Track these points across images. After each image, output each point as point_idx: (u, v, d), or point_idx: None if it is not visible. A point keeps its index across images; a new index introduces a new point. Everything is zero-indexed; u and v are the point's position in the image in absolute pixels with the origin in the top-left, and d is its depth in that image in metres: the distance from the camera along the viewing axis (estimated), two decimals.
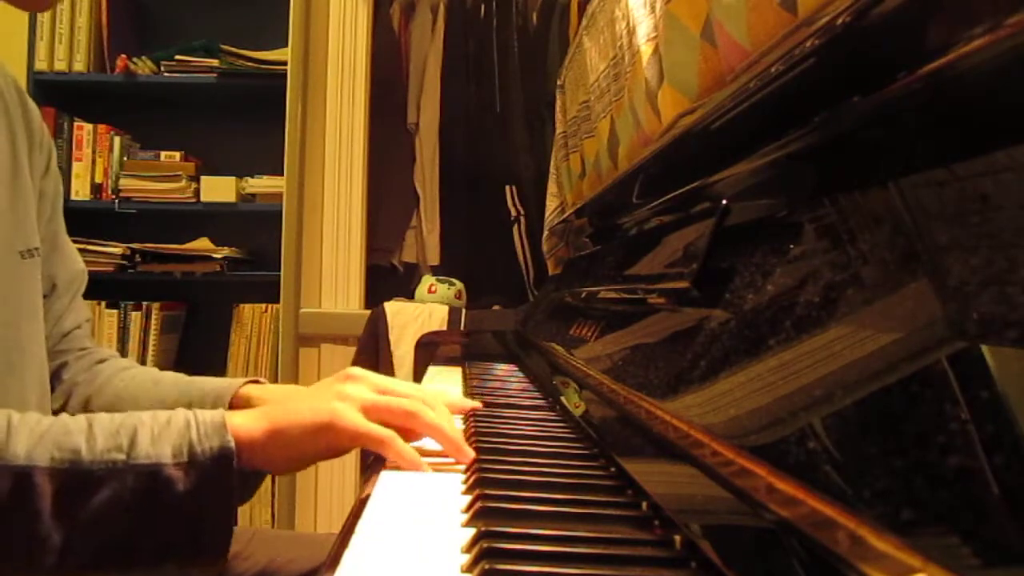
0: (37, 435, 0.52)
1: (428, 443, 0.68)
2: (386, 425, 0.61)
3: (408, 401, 0.64)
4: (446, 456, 0.64)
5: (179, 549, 0.53)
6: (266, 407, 0.62)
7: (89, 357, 0.86)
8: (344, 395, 0.62)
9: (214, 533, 0.54)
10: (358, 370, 0.67)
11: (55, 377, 0.81)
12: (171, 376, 0.84)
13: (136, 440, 0.53)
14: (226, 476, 0.54)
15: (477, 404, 0.79)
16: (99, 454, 0.52)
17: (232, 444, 0.54)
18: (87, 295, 0.89)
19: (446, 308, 2.07)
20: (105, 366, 0.85)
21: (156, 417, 0.56)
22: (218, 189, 2.30)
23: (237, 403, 0.77)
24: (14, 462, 0.51)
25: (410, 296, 2.19)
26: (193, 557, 0.54)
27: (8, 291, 0.70)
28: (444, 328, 2.03)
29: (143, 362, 2.25)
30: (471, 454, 0.62)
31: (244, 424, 0.57)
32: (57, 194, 0.84)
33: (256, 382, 0.80)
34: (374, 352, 2.04)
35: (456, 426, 0.67)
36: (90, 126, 2.33)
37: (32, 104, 0.81)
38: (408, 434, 0.63)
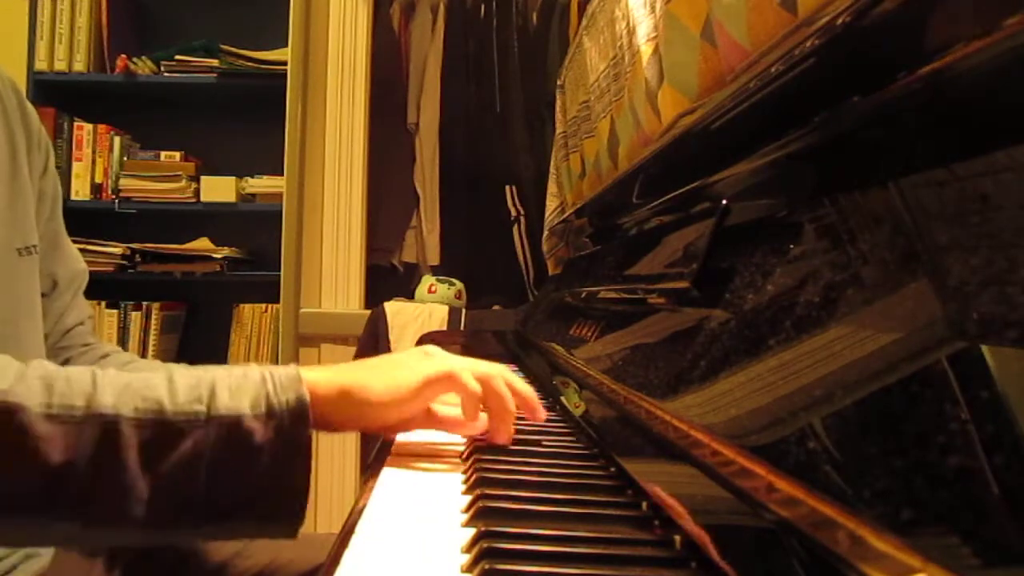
0: (120, 386, 0.52)
1: (430, 440, 0.68)
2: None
3: (490, 366, 0.66)
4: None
5: (258, 505, 0.52)
6: (339, 367, 0.61)
7: (92, 353, 0.86)
8: (416, 370, 0.62)
9: (292, 489, 0.53)
10: (433, 348, 0.67)
11: None
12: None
13: (215, 392, 0.53)
14: (303, 429, 0.53)
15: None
16: (181, 405, 0.52)
17: (307, 397, 0.54)
18: (87, 295, 0.89)
19: (446, 308, 2.07)
20: (108, 361, 0.86)
21: (231, 371, 0.56)
22: (218, 189, 2.30)
23: None
24: (102, 410, 0.50)
25: (410, 296, 2.19)
26: (272, 515, 0.53)
27: (6, 288, 0.70)
28: (444, 328, 2.02)
29: None
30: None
31: (318, 380, 0.57)
32: (56, 194, 0.84)
33: None
34: (374, 352, 2.03)
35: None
36: (90, 126, 2.33)
37: (30, 106, 0.81)
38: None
